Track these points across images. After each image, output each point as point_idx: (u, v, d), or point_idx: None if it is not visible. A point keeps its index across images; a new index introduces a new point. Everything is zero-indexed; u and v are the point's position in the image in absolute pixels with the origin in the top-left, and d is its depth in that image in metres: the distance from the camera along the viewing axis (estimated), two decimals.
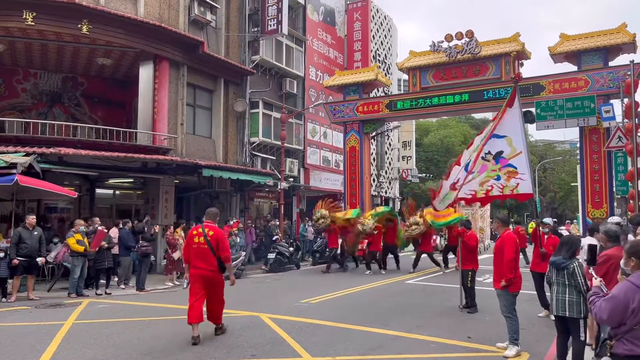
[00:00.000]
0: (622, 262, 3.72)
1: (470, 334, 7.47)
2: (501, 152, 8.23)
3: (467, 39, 17.89)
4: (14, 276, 10.64)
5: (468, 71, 18.25)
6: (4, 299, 10.43)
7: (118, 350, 6.46)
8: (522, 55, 17.66)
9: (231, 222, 16.65)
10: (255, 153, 20.81)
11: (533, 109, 16.43)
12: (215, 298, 7.18)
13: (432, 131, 48.41)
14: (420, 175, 40.62)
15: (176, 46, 16.91)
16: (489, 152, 8.41)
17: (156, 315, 8.92)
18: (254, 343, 6.83)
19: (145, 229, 12.60)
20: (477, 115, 54.03)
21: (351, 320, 8.32)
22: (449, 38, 18.26)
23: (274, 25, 20.40)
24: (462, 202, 10.74)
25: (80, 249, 11.05)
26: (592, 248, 4.75)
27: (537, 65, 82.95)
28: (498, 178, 8.17)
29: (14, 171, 11.16)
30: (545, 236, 9.08)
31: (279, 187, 19.56)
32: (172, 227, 13.86)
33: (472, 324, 8.33)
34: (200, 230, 7.10)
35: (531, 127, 58.41)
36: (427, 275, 15.31)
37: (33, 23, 14.01)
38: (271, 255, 16.57)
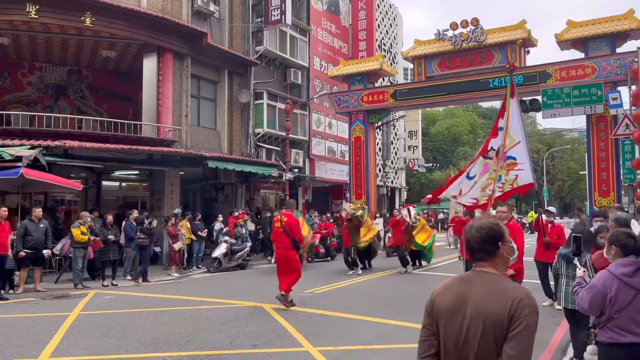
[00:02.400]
0: (604, 251, 3.70)
1: None
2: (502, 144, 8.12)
3: (473, 27, 17.70)
4: (20, 268, 10.74)
5: (473, 59, 18.07)
6: (11, 291, 10.55)
7: (122, 341, 6.52)
8: (528, 42, 17.45)
9: (236, 214, 16.71)
10: (260, 144, 20.81)
11: (539, 97, 16.28)
12: (288, 269, 8.79)
13: (439, 120, 48.16)
14: (427, 165, 40.53)
15: (180, 38, 16.88)
16: (492, 149, 8.27)
17: (161, 306, 8.98)
18: (257, 333, 6.86)
19: (145, 221, 12.59)
20: (485, 104, 53.72)
21: (355, 311, 8.33)
22: (454, 26, 18.07)
23: (277, 16, 20.30)
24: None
25: (85, 238, 11.14)
26: (576, 239, 4.71)
27: (544, 52, 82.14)
28: (499, 178, 8.03)
29: (19, 164, 11.24)
30: (549, 225, 9.01)
31: (284, 178, 19.55)
32: (173, 219, 13.90)
33: None
34: (279, 217, 8.97)
35: (537, 115, 58.02)
36: (433, 265, 15.30)
37: (36, 16, 14.05)
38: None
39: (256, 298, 9.59)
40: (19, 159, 11.40)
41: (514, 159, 7.93)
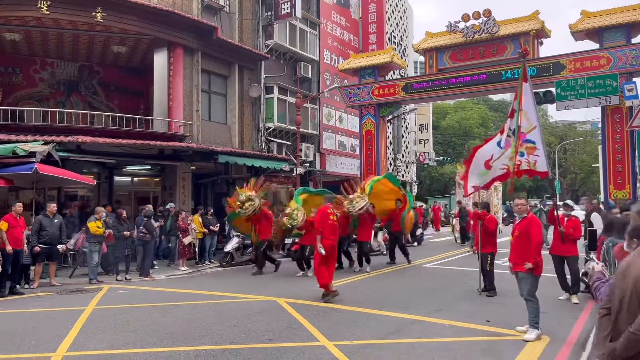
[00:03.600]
0: (625, 244, 3.61)
1: (489, 317, 7.40)
2: (519, 126, 8.09)
3: (485, 18, 17.51)
4: (36, 263, 10.82)
5: (486, 51, 17.88)
6: (26, 286, 10.64)
7: (137, 335, 6.54)
8: (541, 33, 17.21)
9: None
10: (270, 138, 20.79)
11: (553, 89, 16.08)
12: (333, 261, 9.31)
13: (450, 114, 47.87)
14: (437, 158, 40.30)
15: (190, 32, 16.87)
16: (509, 129, 8.31)
17: (174, 300, 9.00)
18: (272, 327, 6.85)
19: (152, 217, 12.55)
20: (496, 97, 53.26)
21: (369, 305, 8.30)
22: (465, 18, 17.90)
23: (287, 9, 20.22)
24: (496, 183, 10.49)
25: (100, 231, 11.20)
26: (592, 232, 4.61)
27: (558, 43, 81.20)
28: (522, 154, 8.04)
29: (33, 160, 11.30)
30: (565, 218, 8.90)
31: (295, 172, 19.53)
32: (183, 213, 13.93)
33: (491, 307, 8.24)
34: (332, 210, 9.35)
35: (551, 108, 57.36)
36: (445, 259, 15.23)
37: (47, 12, 14.10)
38: (288, 240, 16.56)
39: (270, 292, 9.59)
40: (32, 154, 11.46)
41: (533, 142, 7.89)
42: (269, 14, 20.81)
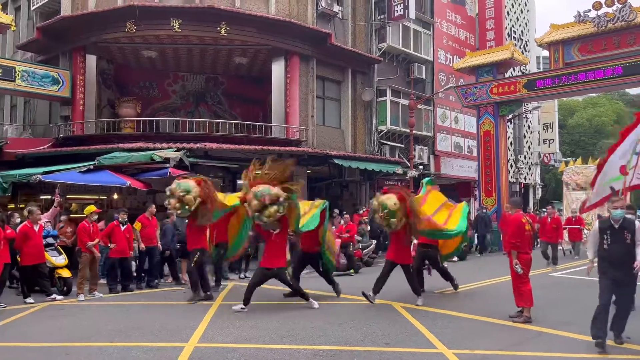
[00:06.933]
0: None
1: (629, 334, 6.67)
2: None
3: (620, 5, 15.97)
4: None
5: (621, 41, 16.27)
6: (162, 280, 11.68)
7: (259, 332, 6.86)
8: None
9: (361, 211, 16.81)
10: (383, 142, 20.74)
11: None
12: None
13: (578, 111, 44.18)
14: (564, 159, 37.37)
15: (305, 40, 17.43)
16: None
17: (294, 299, 9.28)
18: (388, 331, 6.81)
19: None
20: (632, 91, 48.07)
21: (489, 313, 7.91)
22: (597, 6, 16.46)
23: (400, 11, 20.08)
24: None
25: None
26: None
27: None
28: None
29: (167, 165, 12.41)
30: None
31: (408, 175, 19.29)
32: None
33: (632, 323, 7.41)
34: (526, 220, 7.58)
35: None
36: (574, 267, 14.05)
37: (179, 29, 15.43)
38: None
39: (384, 295, 9.51)
40: (167, 160, 12.58)
41: None
42: (382, 17, 20.80)
